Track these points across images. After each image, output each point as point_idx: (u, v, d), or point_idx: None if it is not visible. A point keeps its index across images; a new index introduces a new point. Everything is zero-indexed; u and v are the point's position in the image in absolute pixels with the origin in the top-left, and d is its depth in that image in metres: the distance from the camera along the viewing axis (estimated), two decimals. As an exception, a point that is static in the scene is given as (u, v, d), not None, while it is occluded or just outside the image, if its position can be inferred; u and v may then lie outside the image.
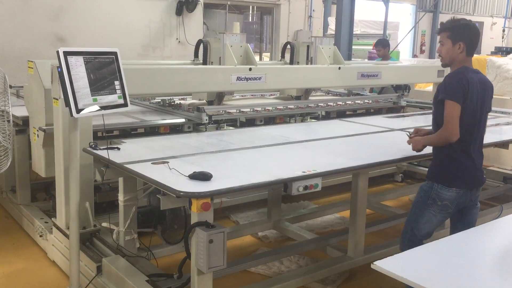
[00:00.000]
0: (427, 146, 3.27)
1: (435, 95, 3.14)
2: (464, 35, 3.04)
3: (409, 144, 3.35)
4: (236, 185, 2.71)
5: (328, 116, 5.58)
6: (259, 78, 4.66)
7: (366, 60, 9.86)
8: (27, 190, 4.84)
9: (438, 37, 3.14)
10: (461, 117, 2.99)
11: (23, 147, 4.66)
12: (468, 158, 3.11)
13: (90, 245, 3.76)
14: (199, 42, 5.36)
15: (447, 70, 3.31)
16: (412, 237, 3.24)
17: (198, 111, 4.39)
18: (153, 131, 4.37)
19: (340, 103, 5.64)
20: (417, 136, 3.36)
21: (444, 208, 3.14)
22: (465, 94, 2.99)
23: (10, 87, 4.41)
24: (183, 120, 4.46)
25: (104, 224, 3.73)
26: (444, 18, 19.99)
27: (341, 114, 5.65)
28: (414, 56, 18.59)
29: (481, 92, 3.08)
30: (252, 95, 5.90)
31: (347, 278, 3.89)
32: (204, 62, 5.11)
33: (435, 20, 19.69)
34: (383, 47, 7.62)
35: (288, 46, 5.86)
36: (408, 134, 3.49)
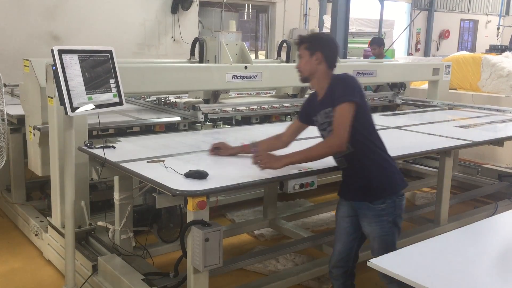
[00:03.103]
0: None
1: (329, 100, 2.78)
2: (321, 45, 2.84)
3: (260, 164, 2.80)
4: (231, 184, 2.71)
5: (323, 114, 5.58)
6: (255, 76, 4.66)
7: (362, 58, 9.88)
8: (22, 189, 4.83)
9: (297, 53, 2.94)
10: (368, 118, 2.85)
11: (18, 146, 4.65)
12: (391, 159, 2.93)
13: (86, 244, 3.75)
14: (195, 40, 5.35)
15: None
16: None
17: (193, 110, 4.39)
18: (148, 129, 4.37)
19: (336, 101, 5.64)
20: (267, 152, 2.89)
21: (402, 219, 2.92)
22: (362, 93, 2.81)
23: (5, 85, 4.37)
24: (178, 118, 4.45)
25: (100, 223, 3.72)
26: (439, 16, 20.08)
27: (336, 112, 5.64)
28: (409, 54, 18.62)
29: None
30: (247, 94, 5.90)
31: (343, 276, 3.89)
32: (201, 61, 5.11)
33: (430, 18, 19.73)
34: (378, 46, 7.62)
35: (284, 44, 5.86)
36: (253, 145, 3.09)
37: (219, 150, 3.28)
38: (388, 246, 2.81)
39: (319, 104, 2.88)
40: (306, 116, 3.04)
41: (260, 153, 2.87)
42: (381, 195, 2.80)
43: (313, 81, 2.90)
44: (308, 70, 2.86)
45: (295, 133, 3.16)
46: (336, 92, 2.75)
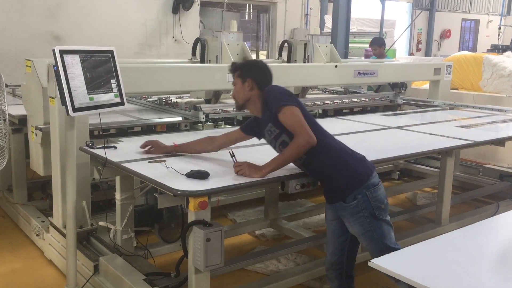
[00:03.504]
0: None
1: (268, 116, 2.81)
2: (252, 71, 2.91)
3: (240, 173, 2.80)
4: (233, 184, 2.71)
5: (325, 114, 5.59)
6: (256, 77, 4.65)
7: (363, 58, 9.87)
8: (24, 189, 4.83)
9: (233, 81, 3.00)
10: (308, 119, 2.80)
11: (20, 146, 4.66)
12: (349, 151, 2.89)
13: (87, 244, 3.76)
14: (197, 40, 5.36)
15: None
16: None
17: (195, 110, 4.40)
18: (150, 129, 4.38)
19: (337, 101, 5.65)
20: (244, 162, 2.84)
21: (387, 208, 2.84)
22: (293, 96, 2.84)
23: (6, 86, 4.39)
24: (180, 118, 4.46)
25: (101, 223, 3.72)
26: (440, 16, 20.08)
27: (338, 112, 5.65)
28: (411, 54, 18.61)
29: None
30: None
31: (344, 276, 3.89)
32: (202, 61, 5.12)
33: (432, 18, 19.72)
34: (378, 46, 7.60)
35: (286, 45, 5.86)
36: (232, 154, 2.97)
37: (151, 148, 3.28)
38: (376, 242, 2.80)
39: (262, 124, 2.92)
40: (249, 129, 3.08)
41: (240, 163, 2.86)
42: (348, 191, 2.76)
43: (250, 107, 2.96)
44: (242, 97, 2.92)
45: (233, 142, 3.21)
46: (269, 106, 2.80)
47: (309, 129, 2.73)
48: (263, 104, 2.86)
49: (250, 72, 2.91)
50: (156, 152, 3.25)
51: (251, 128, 3.08)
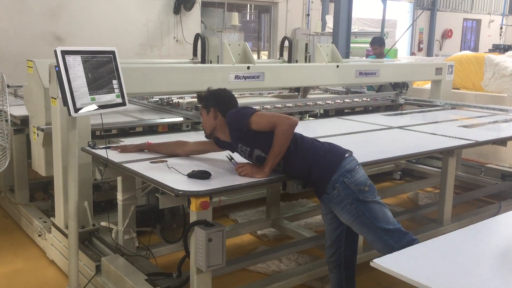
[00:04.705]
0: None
1: (236, 137, 2.88)
2: (214, 100, 2.97)
3: (243, 174, 2.84)
4: (234, 184, 2.71)
5: (326, 114, 5.59)
6: (257, 77, 4.67)
7: (365, 58, 9.87)
8: (26, 189, 4.83)
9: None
10: None
11: (22, 146, 4.66)
12: (316, 142, 2.94)
13: (89, 244, 3.76)
14: (197, 36, 5.35)
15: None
16: (389, 234, 2.78)
17: (196, 110, 4.40)
18: (151, 130, 4.38)
19: (339, 101, 5.65)
20: (246, 163, 2.90)
21: (373, 189, 2.82)
22: (252, 108, 2.91)
23: (8, 86, 4.41)
24: (181, 119, 4.46)
25: (103, 223, 3.73)
26: (442, 15, 20.05)
27: (339, 112, 5.66)
28: (412, 54, 18.59)
29: None
30: (250, 94, 5.90)
31: (346, 276, 3.88)
32: (203, 61, 5.11)
33: (433, 18, 19.69)
34: (379, 46, 7.61)
35: (286, 43, 5.86)
36: (230, 158, 3.03)
37: (125, 148, 3.32)
38: (369, 227, 2.79)
39: (234, 147, 2.97)
40: (222, 143, 3.10)
41: (242, 164, 2.89)
42: (325, 182, 2.79)
43: (219, 134, 3.02)
44: (209, 126, 3.00)
45: (203, 151, 3.26)
46: (238, 128, 2.83)
47: (283, 115, 2.79)
48: (229, 129, 2.92)
49: (212, 102, 2.98)
50: (130, 150, 3.30)
51: (222, 143, 3.10)
